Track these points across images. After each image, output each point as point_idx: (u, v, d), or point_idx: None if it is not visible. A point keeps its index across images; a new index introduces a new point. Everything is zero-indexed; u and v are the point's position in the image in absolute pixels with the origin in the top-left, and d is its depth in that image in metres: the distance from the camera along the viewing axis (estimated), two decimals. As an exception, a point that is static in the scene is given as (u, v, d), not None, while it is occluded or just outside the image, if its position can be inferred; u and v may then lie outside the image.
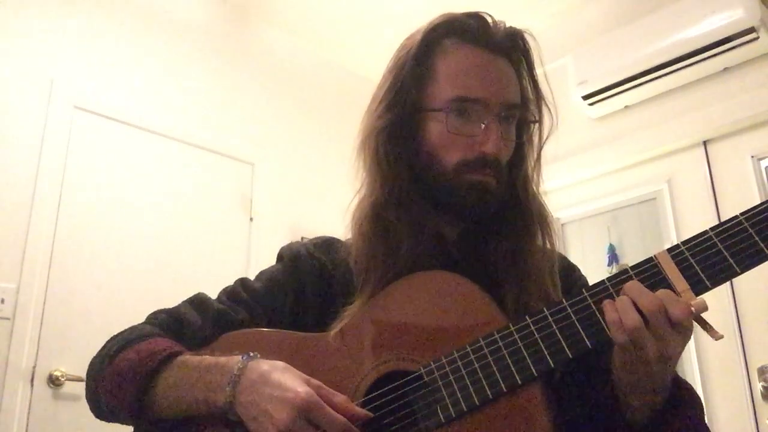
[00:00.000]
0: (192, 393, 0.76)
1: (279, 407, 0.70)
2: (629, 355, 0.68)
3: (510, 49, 0.89)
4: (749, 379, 2.37)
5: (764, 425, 2.30)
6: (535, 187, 0.91)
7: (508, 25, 0.90)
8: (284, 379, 0.72)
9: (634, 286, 0.68)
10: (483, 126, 0.84)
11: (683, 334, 0.67)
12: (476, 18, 0.88)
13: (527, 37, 0.90)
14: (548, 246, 0.89)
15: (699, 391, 2.47)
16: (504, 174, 0.87)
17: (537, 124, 0.91)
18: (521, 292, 0.82)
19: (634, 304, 0.67)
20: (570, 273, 0.95)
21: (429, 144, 0.87)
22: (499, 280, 0.84)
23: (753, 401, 2.35)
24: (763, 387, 2.32)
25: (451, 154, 0.85)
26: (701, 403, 0.78)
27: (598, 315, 0.70)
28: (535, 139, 0.91)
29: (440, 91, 0.86)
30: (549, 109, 0.91)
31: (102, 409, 0.85)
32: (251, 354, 0.77)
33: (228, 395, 0.73)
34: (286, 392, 0.70)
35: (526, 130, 0.91)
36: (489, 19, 0.89)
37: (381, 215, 0.86)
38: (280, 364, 0.75)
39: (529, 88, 0.91)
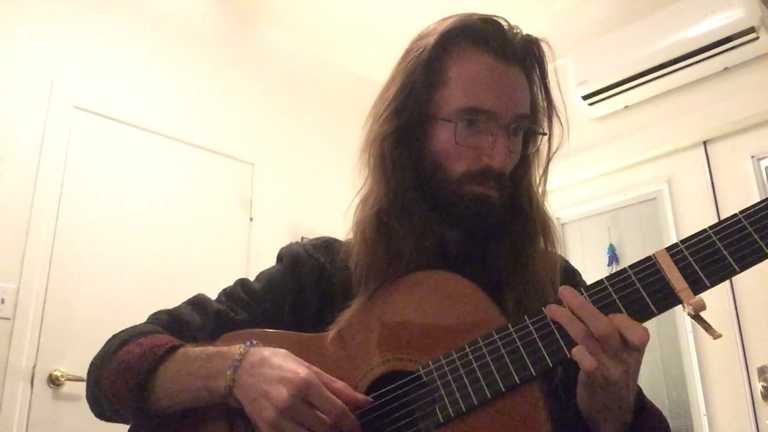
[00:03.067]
0: (193, 382, 0.77)
1: (278, 387, 0.70)
2: (597, 380, 0.68)
3: (524, 57, 0.87)
4: (749, 379, 2.37)
5: (764, 425, 2.30)
6: (539, 196, 0.91)
7: (523, 31, 0.88)
8: (285, 362, 0.73)
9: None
10: (491, 138, 0.83)
11: (638, 350, 0.68)
12: (492, 23, 0.86)
13: (543, 45, 0.89)
14: (550, 251, 0.89)
15: (699, 392, 2.48)
16: (507, 185, 0.86)
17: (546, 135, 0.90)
18: (522, 296, 0.82)
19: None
20: (571, 276, 0.95)
21: (435, 152, 0.86)
22: (500, 284, 0.84)
23: (753, 401, 2.34)
24: (763, 387, 2.32)
25: (456, 164, 0.84)
26: (667, 423, 0.79)
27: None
28: (544, 148, 0.90)
29: (451, 99, 0.84)
30: (560, 119, 0.90)
31: (102, 407, 0.85)
32: (253, 342, 0.77)
33: (228, 379, 0.74)
34: (286, 372, 0.71)
35: (534, 141, 0.91)
36: (505, 25, 0.87)
37: (384, 221, 0.85)
38: (282, 350, 0.76)
39: (540, 96, 0.90)
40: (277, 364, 0.72)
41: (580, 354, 0.67)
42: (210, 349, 0.79)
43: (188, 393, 0.78)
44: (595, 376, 0.67)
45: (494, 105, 0.83)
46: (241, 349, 0.75)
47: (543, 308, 0.73)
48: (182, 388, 0.78)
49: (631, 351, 0.67)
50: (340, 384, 0.73)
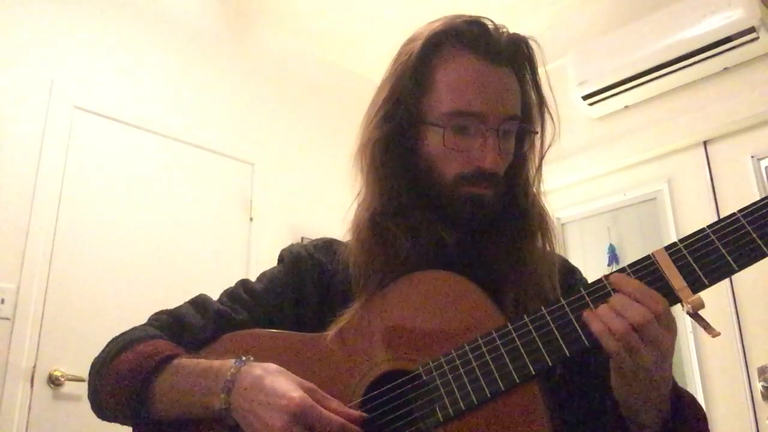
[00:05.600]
0: (188, 397, 0.77)
1: (273, 414, 0.70)
2: (627, 365, 0.67)
3: (512, 56, 0.86)
4: (749, 379, 2.37)
5: (764, 425, 2.30)
6: (535, 192, 0.91)
7: (510, 30, 0.88)
8: (277, 384, 0.72)
9: (620, 300, 0.69)
10: (480, 140, 0.83)
11: (671, 328, 0.67)
12: (477, 25, 0.86)
13: (531, 43, 0.88)
14: (548, 249, 0.89)
15: (699, 392, 2.47)
16: (502, 185, 0.86)
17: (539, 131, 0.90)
18: (520, 294, 0.82)
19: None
20: (570, 275, 0.94)
21: (427, 155, 0.86)
22: (499, 282, 0.84)
23: (753, 401, 2.34)
24: (763, 387, 2.32)
25: (448, 167, 0.85)
26: (704, 414, 0.78)
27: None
28: (537, 145, 0.90)
29: (439, 103, 0.84)
30: (551, 116, 0.90)
31: (103, 409, 0.85)
32: (243, 358, 0.77)
33: (223, 401, 0.74)
34: (280, 398, 0.70)
35: (527, 139, 0.90)
36: (490, 26, 0.86)
37: (379, 223, 0.86)
38: (273, 367, 0.75)
39: (532, 94, 0.90)
40: (270, 388, 0.72)
41: (604, 336, 0.67)
42: (203, 363, 0.79)
43: (184, 407, 0.78)
44: (626, 362, 0.67)
45: (481, 107, 0.83)
46: (232, 369, 0.75)
47: (542, 307, 0.73)
48: (178, 403, 0.78)
49: (662, 329, 0.66)
50: (335, 403, 0.73)
